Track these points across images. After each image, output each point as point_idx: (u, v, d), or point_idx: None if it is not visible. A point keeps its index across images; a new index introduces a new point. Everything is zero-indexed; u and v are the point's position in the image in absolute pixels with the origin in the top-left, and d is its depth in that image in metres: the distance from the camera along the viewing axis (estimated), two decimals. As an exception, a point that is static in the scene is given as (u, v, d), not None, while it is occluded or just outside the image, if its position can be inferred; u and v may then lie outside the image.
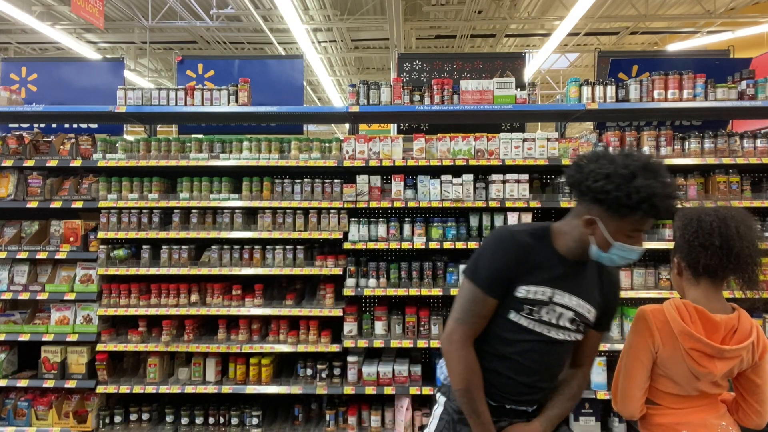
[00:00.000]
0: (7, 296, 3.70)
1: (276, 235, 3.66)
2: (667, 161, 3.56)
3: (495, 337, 1.68)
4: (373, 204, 3.63)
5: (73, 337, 3.64)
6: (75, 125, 4.59)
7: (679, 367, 1.60)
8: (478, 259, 1.67)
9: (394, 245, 3.62)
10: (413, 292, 3.53)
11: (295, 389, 3.55)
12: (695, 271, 1.63)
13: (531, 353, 1.66)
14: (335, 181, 3.73)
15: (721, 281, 1.64)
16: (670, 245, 3.49)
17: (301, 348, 3.57)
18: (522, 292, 1.62)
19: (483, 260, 1.65)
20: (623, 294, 3.50)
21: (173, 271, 3.65)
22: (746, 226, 1.58)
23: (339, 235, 3.64)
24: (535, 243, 1.64)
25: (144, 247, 3.71)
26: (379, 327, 3.59)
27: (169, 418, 3.63)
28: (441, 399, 1.88)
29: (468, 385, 1.65)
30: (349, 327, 3.57)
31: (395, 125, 4.67)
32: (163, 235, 3.68)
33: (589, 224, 1.54)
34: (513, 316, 1.64)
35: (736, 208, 1.65)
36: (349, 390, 3.50)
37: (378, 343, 3.53)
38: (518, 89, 3.69)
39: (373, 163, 3.61)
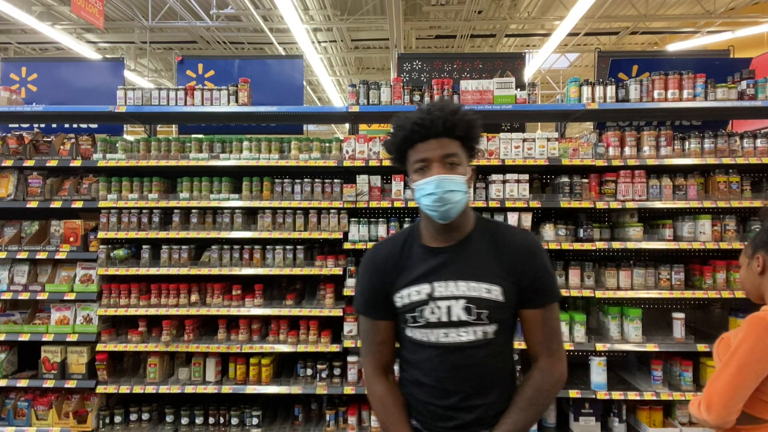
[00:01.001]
0: (7, 296, 3.70)
1: (276, 235, 3.66)
2: (667, 161, 3.56)
3: (404, 361, 1.59)
4: (373, 204, 3.63)
5: (73, 337, 3.64)
6: (75, 125, 4.59)
7: None
8: (355, 287, 1.67)
9: (394, 245, 3.61)
10: (413, 292, 3.52)
11: (295, 389, 3.55)
12: None
13: (437, 371, 1.47)
14: (335, 181, 3.73)
15: None
16: (671, 245, 3.51)
17: (301, 348, 3.57)
18: (398, 300, 1.51)
19: (356, 287, 1.64)
20: (623, 294, 3.50)
21: (173, 271, 3.65)
22: None
23: (339, 235, 3.64)
24: (398, 246, 1.55)
25: (144, 247, 3.71)
26: (379, 327, 3.58)
27: (169, 418, 3.63)
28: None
29: (382, 421, 1.53)
30: (349, 327, 3.57)
31: (395, 125, 4.66)
32: (163, 235, 3.68)
33: (409, 173, 1.51)
34: (407, 331, 1.52)
35: None
36: (349, 390, 3.50)
37: (378, 343, 3.53)
38: (518, 89, 3.69)
39: (373, 163, 3.61)
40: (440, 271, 1.47)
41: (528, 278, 1.47)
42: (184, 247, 3.71)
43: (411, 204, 3.60)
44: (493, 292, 1.45)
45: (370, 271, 1.57)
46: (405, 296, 1.49)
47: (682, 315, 3.48)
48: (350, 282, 3.60)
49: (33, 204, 3.73)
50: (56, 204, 3.73)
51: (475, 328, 1.45)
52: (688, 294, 3.48)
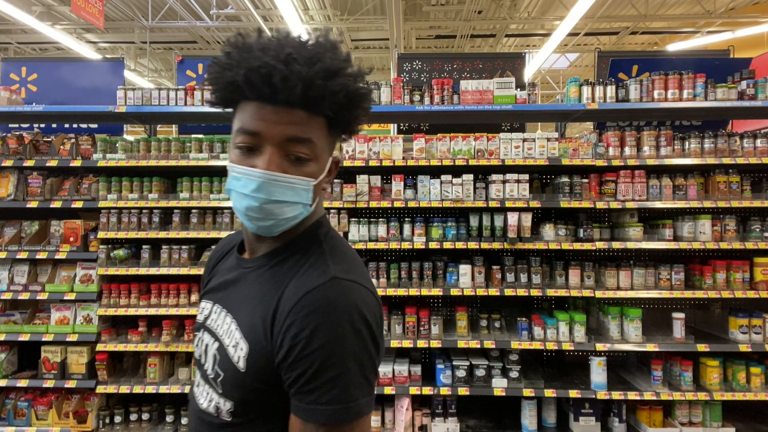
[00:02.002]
0: (7, 296, 3.70)
1: (276, 235, 3.65)
2: (667, 161, 3.56)
3: None
4: (373, 204, 3.62)
5: (73, 337, 3.64)
6: (75, 125, 4.59)
7: None
8: None
9: (394, 245, 3.62)
10: (413, 292, 3.53)
11: (295, 389, 3.54)
12: None
13: None
14: (335, 181, 3.72)
15: None
16: (671, 245, 3.51)
17: (301, 348, 3.57)
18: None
19: None
20: (623, 294, 3.50)
21: (173, 271, 3.65)
22: None
23: (339, 235, 3.63)
24: (233, 242, 1.15)
25: (144, 247, 3.71)
26: (379, 327, 3.58)
27: (169, 418, 3.63)
28: None
29: None
30: (349, 327, 3.57)
31: (395, 125, 4.67)
32: (163, 235, 3.68)
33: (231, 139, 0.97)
34: None
35: None
36: (349, 390, 3.49)
37: (378, 343, 3.52)
38: (518, 89, 3.69)
39: (373, 163, 3.61)
40: (228, 291, 1.03)
41: (289, 357, 0.85)
42: (184, 247, 3.71)
43: (411, 204, 3.60)
44: (239, 350, 0.92)
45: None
46: (199, 311, 1.10)
47: (682, 315, 3.48)
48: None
49: (33, 204, 3.73)
50: (56, 204, 3.73)
51: (212, 394, 0.96)
52: (688, 294, 3.48)
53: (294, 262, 0.96)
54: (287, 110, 0.88)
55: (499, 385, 3.46)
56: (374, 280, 3.57)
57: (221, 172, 3.93)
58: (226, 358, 0.94)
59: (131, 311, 3.65)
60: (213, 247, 3.73)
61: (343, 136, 1.01)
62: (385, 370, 3.52)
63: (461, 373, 3.50)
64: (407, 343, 3.52)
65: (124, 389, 3.58)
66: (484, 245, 3.57)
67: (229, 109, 0.96)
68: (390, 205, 3.62)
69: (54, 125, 4.59)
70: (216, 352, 0.96)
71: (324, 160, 0.97)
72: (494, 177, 3.59)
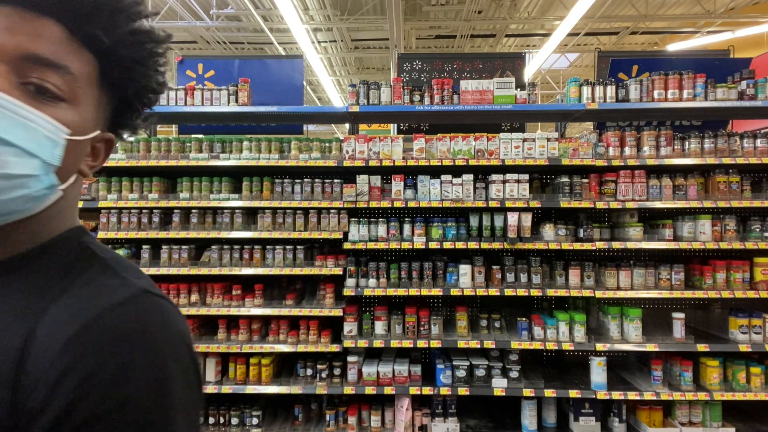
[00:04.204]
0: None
1: (276, 235, 3.66)
2: (667, 161, 3.56)
3: None
4: (373, 204, 3.63)
5: (73, 337, 3.63)
6: (75, 125, 4.58)
7: None
8: None
9: (394, 245, 3.62)
10: (413, 292, 3.53)
11: (295, 389, 3.55)
12: None
13: None
14: (335, 181, 3.73)
15: None
16: (671, 245, 3.51)
17: (301, 348, 3.57)
18: None
19: None
20: (623, 294, 3.50)
21: (173, 271, 3.65)
22: None
23: (339, 235, 3.64)
24: None
25: (144, 247, 3.71)
26: (379, 327, 3.59)
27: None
28: None
29: None
30: (349, 327, 3.57)
31: (395, 125, 4.67)
32: (163, 235, 3.68)
33: None
34: None
35: None
36: (349, 390, 3.50)
37: (378, 343, 3.53)
38: (518, 89, 3.70)
39: (373, 163, 3.61)
40: None
41: (66, 423, 0.52)
42: (184, 247, 3.71)
43: (411, 204, 3.60)
44: None
45: None
46: None
47: (682, 315, 3.48)
48: (350, 282, 3.60)
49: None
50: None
51: None
52: (688, 294, 3.48)
53: (48, 278, 0.62)
54: (32, 16, 0.60)
55: (499, 385, 3.46)
56: (374, 281, 3.57)
57: (221, 172, 3.93)
58: None
59: (131, 311, 3.64)
60: (213, 247, 3.73)
61: (124, 118, 0.73)
62: (385, 370, 3.52)
63: (461, 373, 3.50)
64: (407, 343, 3.52)
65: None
66: (484, 245, 3.57)
67: None
68: (390, 205, 3.62)
69: (54, 125, 4.58)
70: None
71: (86, 117, 0.65)
72: (494, 177, 3.59)
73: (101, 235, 3.70)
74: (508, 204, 3.54)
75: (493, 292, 3.51)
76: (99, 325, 0.56)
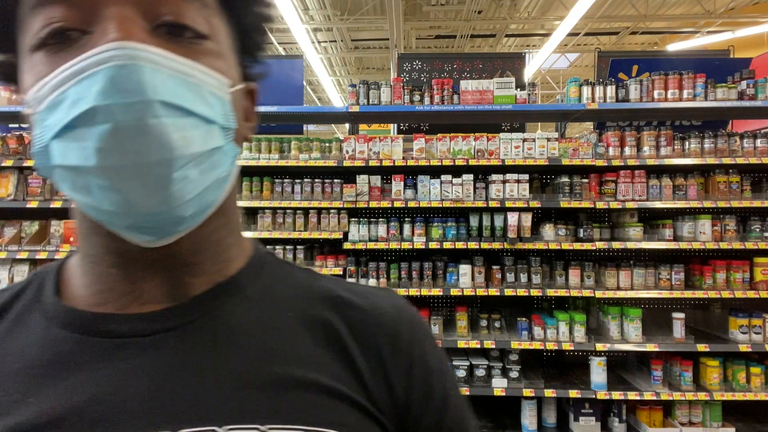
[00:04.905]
0: (7, 296, 3.69)
1: (276, 235, 3.66)
2: (667, 161, 3.57)
3: None
4: (373, 204, 3.63)
5: (73, 337, 3.63)
6: (75, 125, 4.58)
7: None
8: None
9: (394, 245, 3.62)
10: (413, 292, 3.53)
11: (295, 389, 3.55)
12: None
13: None
14: (335, 181, 3.73)
15: None
16: (671, 245, 3.51)
17: (301, 348, 3.57)
18: None
19: None
20: (623, 294, 3.50)
21: (173, 271, 3.64)
22: None
23: (339, 235, 3.64)
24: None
25: (144, 247, 3.71)
26: (379, 327, 3.59)
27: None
28: None
29: None
30: (349, 327, 3.57)
31: (395, 125, 4.67)
32: (163, 235, 3.67)
33: (20, 73, 0.53)
34: None
35: None
36: (349, 390, 3.49)
37: (378, 343, 3.52)
38: (518, 89, 3.69)
39: (373, 163, 3.61)
40: (115, 404, 0.43)
41: (424, 405, 0.55)
42: (184, 247, 3.70)
43: (411, 204, 3.60)
44: None
45: None
46: None
47: (682, 315, 3.48)
48: (350, 282, 3.60)
49: (33, 204, 3.73)
50: (56, 204, 3.73)
51: None
52: (688, 294, 3.48)
53: (296, 290, 0.56)
54: None
55: (499, 385, 3.46)
56: (374, 280, 3.57)
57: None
58: None
59: (131, 311, 3.64)
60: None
61: (246, 61, 0.56)
62: (385, 370, 3.51)
63: (461, 373, 3.50)
64: (407, 343, 3.51)
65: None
66: (484, 245, 3.57)
67: None
68: (390, 205, 3.62)
69: (54, 125, 4.58)
70: None
71: (229, 60, 0.52)
72: (494, 177, 3.59)
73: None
74: (508, 204, 3.54)
75: (493, 292, 3.51)
76: (405, 315, 0.58)
